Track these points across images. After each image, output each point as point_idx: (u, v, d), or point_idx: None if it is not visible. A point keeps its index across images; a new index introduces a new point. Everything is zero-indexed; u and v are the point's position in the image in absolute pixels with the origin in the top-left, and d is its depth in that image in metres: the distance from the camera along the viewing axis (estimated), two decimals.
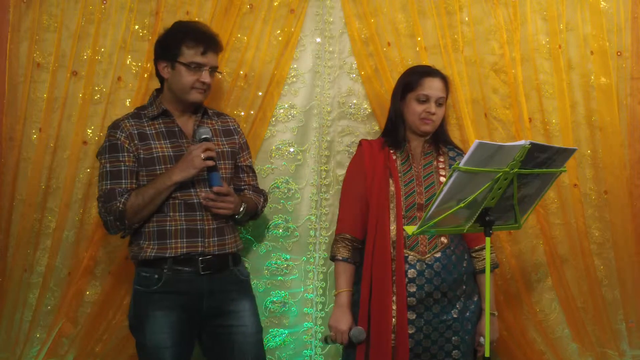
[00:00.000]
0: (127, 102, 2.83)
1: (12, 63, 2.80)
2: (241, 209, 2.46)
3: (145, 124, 2.46)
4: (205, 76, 2.43)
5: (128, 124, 2.44)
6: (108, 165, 2.41)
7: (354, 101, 2.98)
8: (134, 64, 2.85)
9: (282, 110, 2.94)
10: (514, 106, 2.92)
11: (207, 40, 2.44)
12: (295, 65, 2.95)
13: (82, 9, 2.81)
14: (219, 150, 2.50)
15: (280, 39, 2.90)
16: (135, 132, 2.43)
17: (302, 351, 2.92)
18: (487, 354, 2.01)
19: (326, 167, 2.96)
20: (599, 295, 2.91)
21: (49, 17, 2.83)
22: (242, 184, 2.61)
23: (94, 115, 2.82)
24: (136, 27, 2.86)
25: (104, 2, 2.83)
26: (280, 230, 2.92)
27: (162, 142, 2.44)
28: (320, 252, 2.93)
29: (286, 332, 2.91)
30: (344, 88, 2.98)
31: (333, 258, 2.55)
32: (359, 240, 2.54)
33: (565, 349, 2.94)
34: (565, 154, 2.01)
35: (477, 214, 1.99)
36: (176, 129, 2.47)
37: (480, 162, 1.86)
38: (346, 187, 2.63)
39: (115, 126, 2.46)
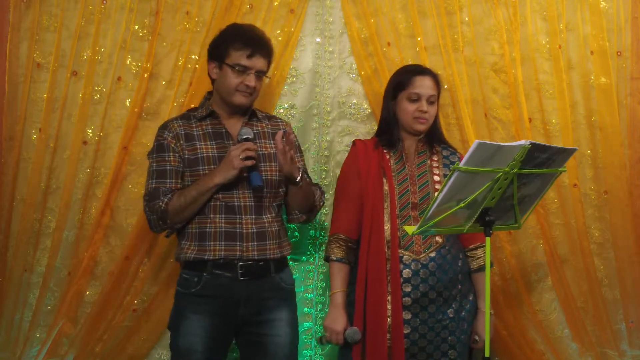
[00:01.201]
0: (127, 102, 2.83)
1: (12, 63, 2.80)
2: (300, 172, 2.38)
3: (194, 125, 2.46)
4: (250, 79, 2.40)
5: (176, 125, 2.45)
6: (155, 164, 2.42)
7: (354, 101, 2.98)
8: (134, 64, 2.85)
9: (282, 110, 2.95)
10: (514, 106, 2.92)
11: (255, 44, 2.42)
12: (295, 65, 2.95)
13: (82, 9, 2.81)
14: (266, 152, 2.46)
15: (280, 39, 2.90)
16: (182, 132, 2.43)
17: (302, 351, 2.92)
18: (487, 354, 2.01)
19: (326, 167, 2.96)
20: (599, 295, 2.91)
21: (49, 17, 2.83)
22: None
23: (94, 115, 2.82)
24: (136, 27, 2.86)
25: (104, 2, 2.83)
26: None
27: (208, 142, 2.43)
28: (320, 252, 2.93)
29: None
30: (344, 88, 2.98)
31: (327, 259, 2.54)
32: (354, 240, 2.53)
33: (565, 349, 2.94)
34: (565, 154, 2.01)
35: (477, 214, 1.99)
36: (223, 130, 2.45)
37: (480, 162, 1.86)
38: (340, 187, 2.62)
39: (163, 126, 2.47)
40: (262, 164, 2.44)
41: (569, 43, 2.97)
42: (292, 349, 2.48)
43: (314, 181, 2.69)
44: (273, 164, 2.46)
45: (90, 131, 2.82)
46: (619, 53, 2.96)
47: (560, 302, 2.93)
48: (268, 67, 2.50)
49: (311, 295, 2.93)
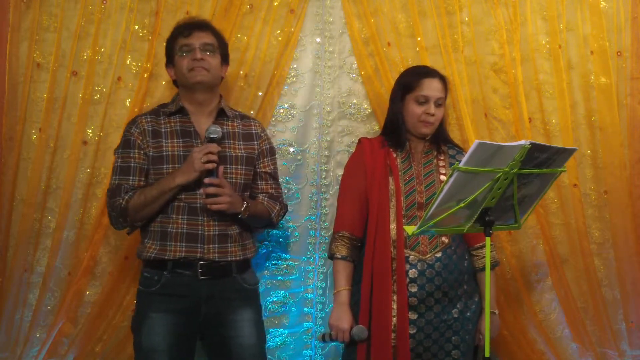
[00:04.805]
0: (127, 102, 2.83)
1: (12, 63, 2.80)
2: (242, 207, 2.38)
3: (162, 121, 2.46)
4: (196, 53, 2.41)
5: (144, 120, 2.45)
6: (119, 160, 2.42)
7: (354, 101, 2.98)
8: (134, 64, 2.85)
9: (282, 110, 2.95)
10: (514, 106, 2.92)
11: (189, 24, 2.48)
12: (295, 65, 2.95)
13: (82, 9, 2.82)
14: (233, 154, 2.46)
15: (280, 39, 2.90)
16: (150, 129, 2.43)
17: (302, 351, 2.92)
18: (487, 354, 2.01)
19: (326, 167, 2.96)
20: (599, 295, 2.91)
21: (49, 17, 2.83)
22: (258, 191, 2.54)
23: (94, 115, 2.82)
24: (136, 27, 2.86)
25: (104, 2, 2.83)
26: (280, 231, 2.91)
27: (175, 140, 2.42)
28: (320, 252, 2.93)
29: (286, 332, 2.91)
30: (344, 88, 2.98)
31: (332, 256, 2.54)
32: (358, 238, 2.53)
33: (565, 349, 2.94)
34: (565, 154, 2.01)
35: (477, 214, 1.99)
36: (191, 128, 2.45)
37: (480, 162, 1.86)
38: (345, 184, 2.61)
39: (132, 122, 2.47)
40: (229, 166, 2.43)
41: (569, 43, 2.97)
42: (259, 350, 2.46)
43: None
44: (239, 166, 2.46)
45: (90, 131, 2.82)
46: (619, 53, 2.96)
47: (560, 302, 2.93)
48: (219, 43, 2.50)
49: (311, 295, 2.93)
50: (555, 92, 2.94)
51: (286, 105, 2.95)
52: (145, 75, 2.81)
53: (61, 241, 2.80)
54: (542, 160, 1.96)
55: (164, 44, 2.82)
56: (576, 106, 2.97)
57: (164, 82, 2.84)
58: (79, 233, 2.82)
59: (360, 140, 2.65)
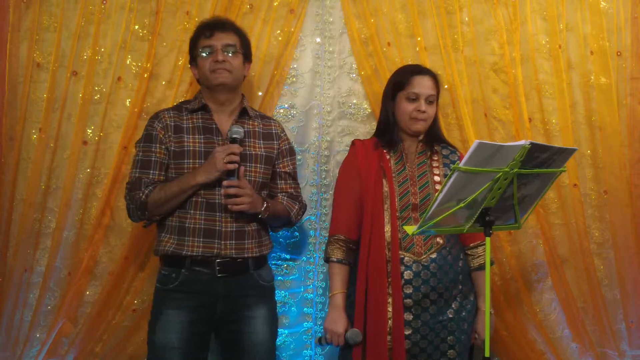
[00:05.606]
0: (127, 102, 2.84)
1: (12, 63, 2.80)
2: (262, 207, 2.40)
3: (184, 117, 2.47)
4: (217, 54, 2.42)
5: (167, 116, 2.47)
6: (141, 153, 2.44)
7: (354, 101, 2.98)
8: (134, 64, 2.85)
9: (282, 110, 2.95)
10: (514, 106, 2.92)
11: (212, 24, 2.48)
12: (295, 65, 2.95)
13: (82, 9, 2.82)
14: (253, 153, 2.47)
15: (280, 39, 2.90)
16: (172, 124, 2.45)
17: (302, 351, 2.92)
18: (486, 354, 2.01)
19: (326, 167, 2.96)
20: (599, 295, 2.91)
21: (49, 17, 2.83)
22: (277, 190, 2.56)
23: (94, 115, 2.83)
24: (136, 27, 2.86)
25: (104, 2, 2.83)
26: (280, 231, 2.91)
27: (196, 136, 2.44)
28: (320, 252, 2.93)
29: (286, 332, 2.91)
30: (344, 88, 2.98)
31: (327, 259, 2.53)
32: (354, 241, 2.52)
33: (565, 349, 2.94)
34: (565, 154, 2.01)
35: (477, 214, 1.99)
36: (213, 125, 2.46)
37: (480, 162, 1.86)
38: (340, 187, 2.61)
39: (155, 116, 2.49)
40: (248, 164, 2.44)
41: (569, 43, 2.97)
42: (269, 346, 2.48)
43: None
44: (259, 165, 2.47)
45: (90, 131, 2.82)
46: (619, 53, 2.96)
47: (560, 302, 2.93)
48: (241, 42, 2.50)
49: (311, 295, 2.93)
50: (555, 92, 2.94)
51: (286, 105, 2.95)
52: (145, 75, 2.81)
53: (61, 241, 2.80)
54: (542, 160, 1.96)
55: (164, 44, 2.84)
56: (576, 106, 2.97)
57: (164, 82, 2.84)
58: (79, 233, 2.82)
59: (353, 143, 2.65)
